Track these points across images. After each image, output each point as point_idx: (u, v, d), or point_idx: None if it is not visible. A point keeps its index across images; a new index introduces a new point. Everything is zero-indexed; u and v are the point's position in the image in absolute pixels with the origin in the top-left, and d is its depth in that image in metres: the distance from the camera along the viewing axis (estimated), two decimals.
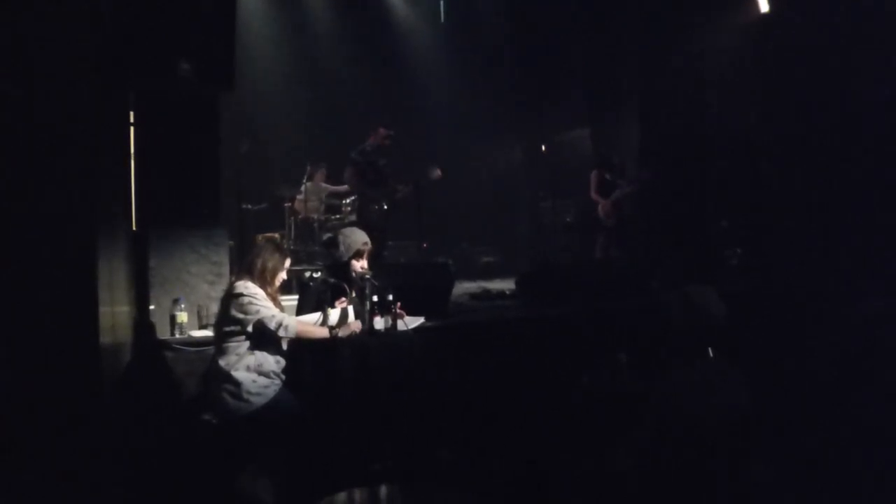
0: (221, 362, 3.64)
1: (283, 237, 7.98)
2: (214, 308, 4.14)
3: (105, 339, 3.05)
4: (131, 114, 4.68)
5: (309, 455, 3.74)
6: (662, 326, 2.99)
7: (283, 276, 3.97)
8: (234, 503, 3.58)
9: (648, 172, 7.96)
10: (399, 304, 4.16)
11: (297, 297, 4.62)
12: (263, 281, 3.83)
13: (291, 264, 7.82)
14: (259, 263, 3.84)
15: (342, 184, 8.61)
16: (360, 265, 4.32)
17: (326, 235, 4.81)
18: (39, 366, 2.72)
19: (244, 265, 3.93)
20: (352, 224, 7.40)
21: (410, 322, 4.26)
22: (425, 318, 4.56)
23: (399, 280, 4.60)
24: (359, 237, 4.40)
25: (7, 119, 2.73)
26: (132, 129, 4.67)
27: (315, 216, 8.44)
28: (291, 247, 8.12)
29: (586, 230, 8.75)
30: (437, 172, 7.80)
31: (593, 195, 8.27)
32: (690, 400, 2.85)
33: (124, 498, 3.18)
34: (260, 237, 6.57)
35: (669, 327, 2.99)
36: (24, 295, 2.73)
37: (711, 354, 2.93)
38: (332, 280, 4.19)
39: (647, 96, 8.97)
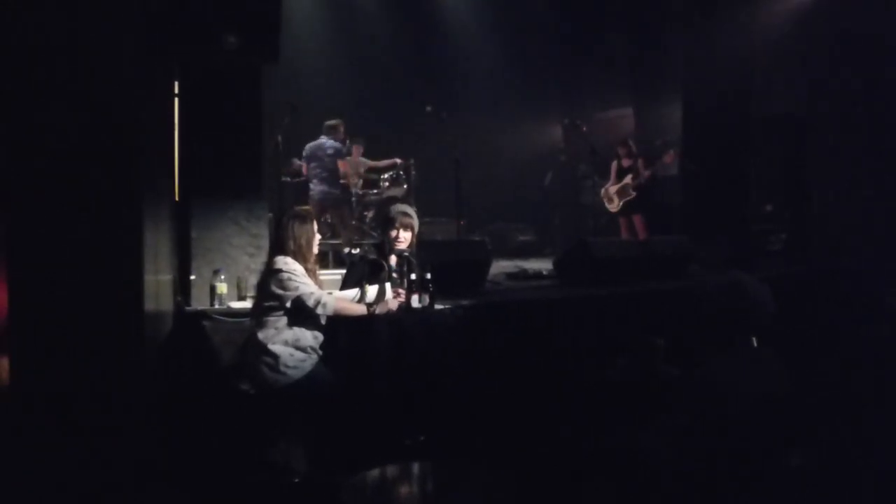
0: (260, 335, 3.67)
1: None
2: (253, 280, 4.17)
3: (149, 305, 3.11)
4: (175, 84, 4.71)
5: (342, 429, 3.78)
6: (707, 312, 2.95)
7: (316, 244, 3.93)
8: (267, 471, 3.64)
9: (693, 164, 7.80)
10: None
11: (332, 271, 4.61)
12: (300, 256, 3.82)
13: (329, 238, 7.80)
14: (290, 241, 3.80)
15: (380, 158, 8.70)
16: (394, 235, 4.24)
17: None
18: (87, 328, 2.79)
19: (276, 244, 3.87)
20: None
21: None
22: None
23: (436, 257, 4.59)
24: (393, 208, 4.42)
25: (53, 92, 2.76)
26: (176, 100, 4.71)
27: (353, 191, 8.47)
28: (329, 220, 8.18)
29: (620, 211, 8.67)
30: None
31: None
32: (730, 387, 2.81)
33: (160, 459, 3.25)
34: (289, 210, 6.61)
35: (715, 315, 2.95)
36: (75, 261, 2.80)
37: (755, 344, 2.88)
38: (371, 256, 4.19)
39: (690, 76, 8.78)
